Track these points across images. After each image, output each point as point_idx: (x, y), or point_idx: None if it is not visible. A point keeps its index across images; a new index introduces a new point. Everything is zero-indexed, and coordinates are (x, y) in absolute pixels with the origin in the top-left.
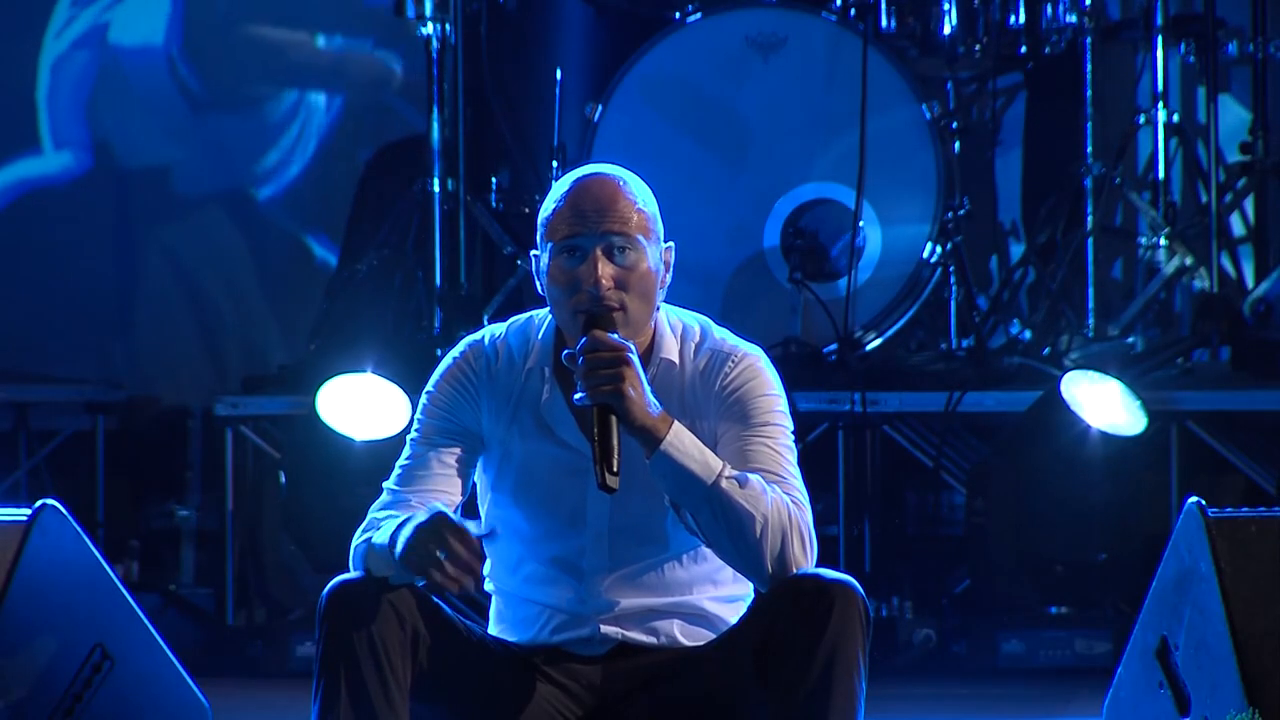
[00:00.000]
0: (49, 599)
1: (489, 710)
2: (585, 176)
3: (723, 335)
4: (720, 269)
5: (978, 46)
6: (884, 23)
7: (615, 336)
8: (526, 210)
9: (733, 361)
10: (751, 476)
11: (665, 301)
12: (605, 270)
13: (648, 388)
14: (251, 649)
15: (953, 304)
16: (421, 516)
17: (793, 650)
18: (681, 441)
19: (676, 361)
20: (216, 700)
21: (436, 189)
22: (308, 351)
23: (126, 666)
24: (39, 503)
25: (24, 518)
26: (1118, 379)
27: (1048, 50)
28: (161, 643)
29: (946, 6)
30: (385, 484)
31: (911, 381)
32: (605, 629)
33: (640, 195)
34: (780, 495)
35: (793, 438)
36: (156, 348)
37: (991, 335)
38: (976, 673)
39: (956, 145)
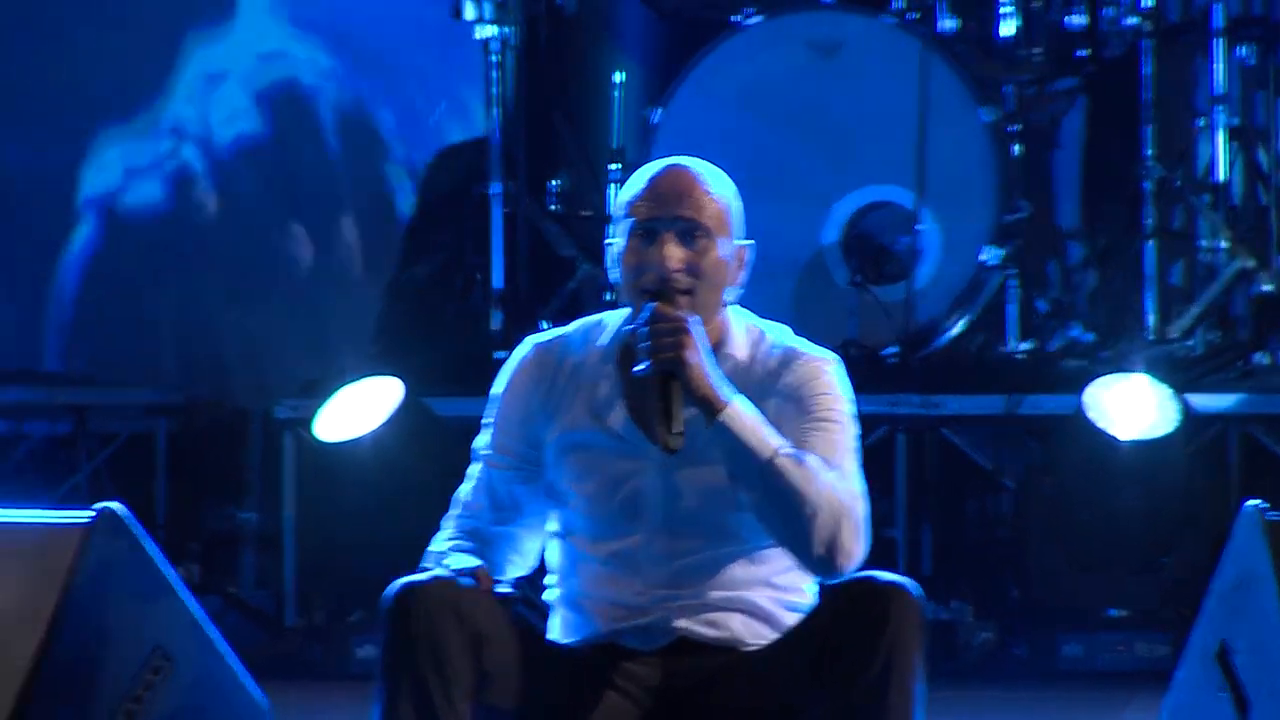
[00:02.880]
0: (109, 601)
1: (548, 715)
2: (669, 164)
3: (798, 340)
4: (779, 271)
5: (1037, 50)
6: (943, 25)
7: (676, 314)
8: (586, 213)
9: (802, 360)
10: (809, 457)
11: (745, 307)
12: (675, 253)
13: (711, 359)
14: (311, 651)
15: (1012, 307)
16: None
17: (850, 653)
18: (742, 414)
19: (744, 359)
20: (276, 702)
21: (496, 192)
22: (368, 354)
23: (186, 668)
24: (100, 505)
25: (85, 520)
26: (1146, 372)
27: (1107, 53)
28: (222, 645)
29: (1006, 9)
30: (457, 494)
31: (971, 384)
32: (665, 616)
33: (719, 188)
34: (836, 482)
35: (857, 440)
36: (216, 350)
37: (1051, 338)
38: (1036, 675)
39: (1016, 148)
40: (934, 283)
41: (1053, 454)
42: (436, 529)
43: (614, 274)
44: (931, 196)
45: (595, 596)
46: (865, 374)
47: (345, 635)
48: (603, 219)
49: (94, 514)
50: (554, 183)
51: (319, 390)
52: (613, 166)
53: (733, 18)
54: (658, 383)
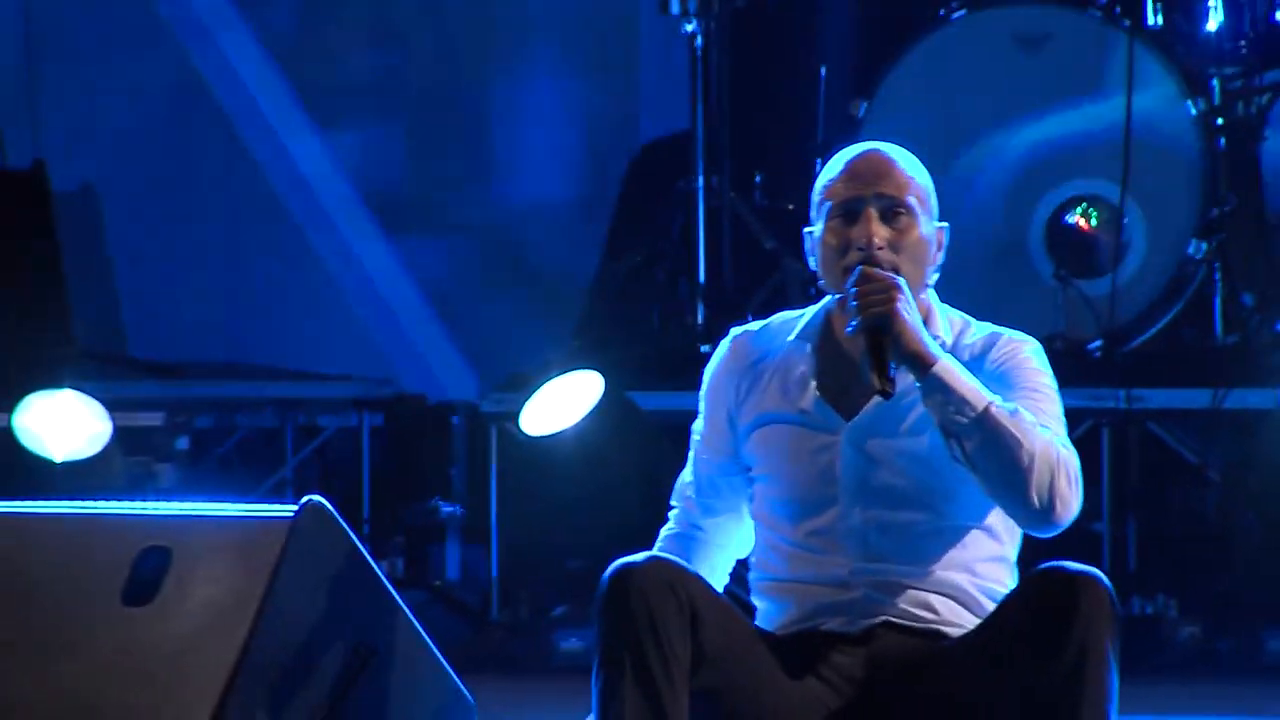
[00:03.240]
0: (314, 595)
1: (756, 700)
2: (865, 148)
3: (999, 327)
4: (984, 265)
5: (1244, 42)
6: (1150, 19)
7: (886, 275)
8: (790, 207)
9: (1004, 340)
10: (1023, 410)
11: (947, 299)
12: (879, 230)
13: (918, 317)
14: (515, 646)
15: (1218, 301)
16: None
17: (1042, 642)
18: (953, 368)
19: (949, 340)
20: (480, 697)
21: (700, 186)
22: (572, 348)
23: (391, 662)
24: (304, 499)
25: (290, 514)
26: None
27: None
28: (426, 639)
29: (1212, 3)
30: (679, 479)
31: (1176, 378)
32: (866, 594)
33: (914, 168)
34: (1046, 431)
35: (1061, 409)
36: (422, 344)
37: (1257, 332)
38: (1241, 671)
39: (1222, 141)
40: (1139, 276)
41: (1257, 448)
42: (639, 522)
43: (813, 261)
44: (1137, 189)
45: (796, 579)
46: (1069, 368)
47: (549, 630)
48: (807, 213)
49: (299, 507)
50: (758, 177)
51: (524, 384)
52: (818, 161)
53: (938, 11)
54: (867, 339)
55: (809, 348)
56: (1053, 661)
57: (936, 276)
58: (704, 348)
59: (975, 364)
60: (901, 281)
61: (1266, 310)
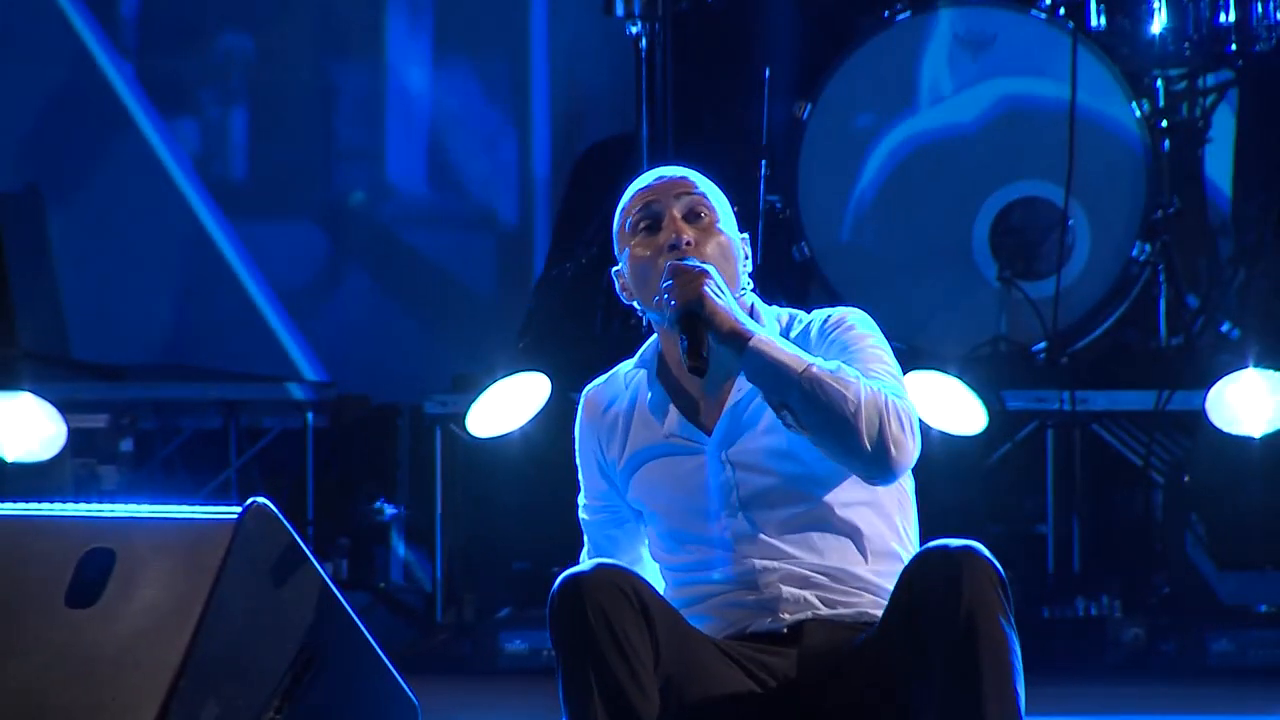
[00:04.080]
0: (258, 596)
1: (708, 691)
2: (653, 171)
3: (826, 309)
4: (928, 267)
5: (1187, 44)
6: (1093, 20)
7: (694, 264)
8: (735, 209)
9: (830, 317)
10: (844, 367)
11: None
12: (684, 228)
13: (732, 300)
14: (460, 647)
15: (1162, 303)
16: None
17: (932, 621)
18: (769, 339)
19: (776, 330)
20: (425, 698)
21: None
22: (517, 349)
23: (336, 664)
24: (249, 500)
25: (234, 515)
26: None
27: (1258, 48)
28: (371, 641)
29: (1156, 4)
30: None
31: (1120, 380)
32: (774, 590)
33: (707, 181)
34: (874, 382)
35: (897, 365)
36: (366, 346)
37: (1201, 334)
38: (1185, 672)
39: (1166, 143)
40: (1083, 278)
41: (1200, 449)
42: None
43: (626, 295)
44: (1081, 191)
45: (711, 601)
46: (1014, 369)
47: (493, 631)
48: (751, 214)
49: (243, 509)
50: None
51: (468, 385)
52: (763, 162)
53: (882, 13)
54: (683, 324)
55: (650, 374)
56: (948, 633)
57: (750, 285)
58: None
59: (803, 342)
60: (711, 269)
61: (1210, 312)
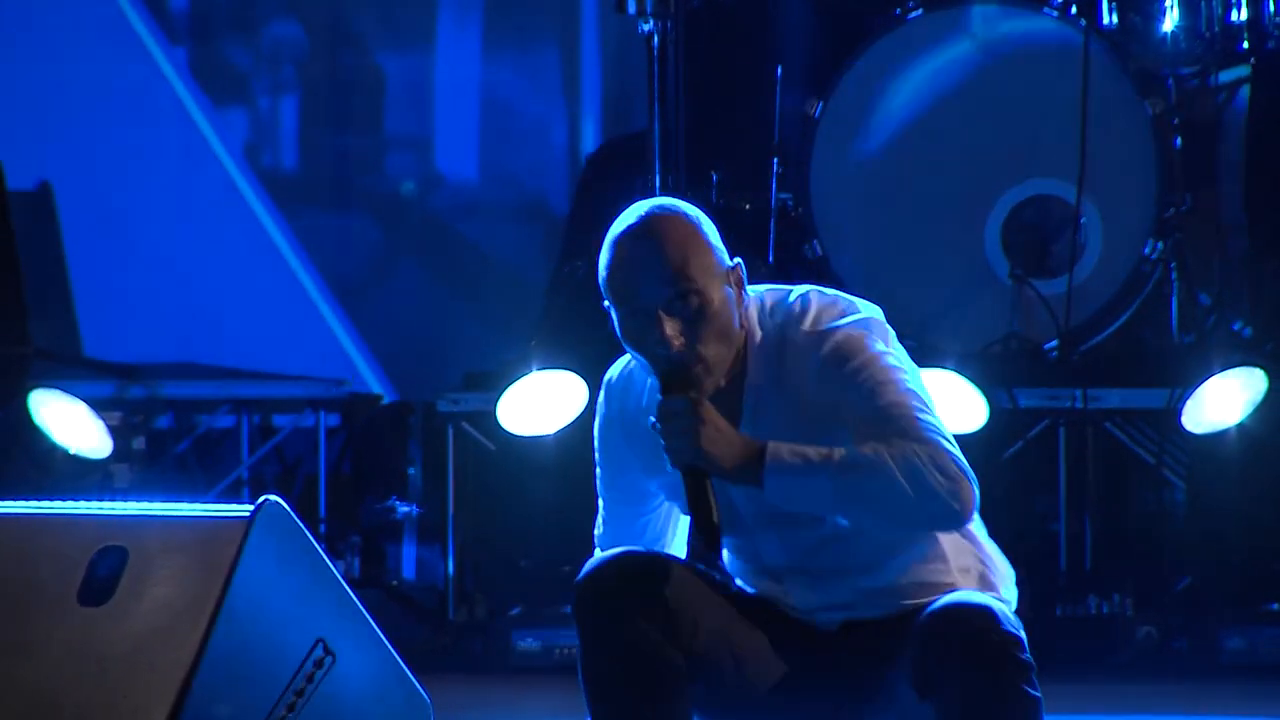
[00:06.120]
0: (271, 595)
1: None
2: (626, 236)
3: (819, 312)
4: (940, 264)
5: (1199, 42)
6: (1106, 19)
7: (679, 403)
8: (747, 206)
9: (829, 342)
10: (864, 444)
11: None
12: (672, 329)
13: (725, 427)
14: (473, 645)
15: (1174, 300)
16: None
17: (947, 685)
18: (781, 459)
19: (772, 360)
20: (437, 697)
21: (657, 185)
22: (529, 347)
23: (348, 662)
24: (261, 499)
25: (246, 514)
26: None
27: (1270, 45)
28: (383, 639)
29: (1168, 2)
30: (595, 534)
31: (1132, 378)
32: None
33: (686, 234)
34: (900, 443)
35: (916, 377)
36: (378, 343)
37: (1214, 332)
38: (1198, 670)
39: (1178, 141)
40: (1095, 276)
41: (1214, 447)
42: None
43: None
44: (1093, 189)
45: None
46: (1026, 368)
47: (505, 629)
48: (763, 212)
49: (256, 507)
50: (715, 176)
51: (480, 384)
52: (774, 160)
53: (894, 10)
54: (688, 479)
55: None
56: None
57: (748, 301)
58: None
59: (803, 363)
60: (694, 402)
61: (1223, 310)
